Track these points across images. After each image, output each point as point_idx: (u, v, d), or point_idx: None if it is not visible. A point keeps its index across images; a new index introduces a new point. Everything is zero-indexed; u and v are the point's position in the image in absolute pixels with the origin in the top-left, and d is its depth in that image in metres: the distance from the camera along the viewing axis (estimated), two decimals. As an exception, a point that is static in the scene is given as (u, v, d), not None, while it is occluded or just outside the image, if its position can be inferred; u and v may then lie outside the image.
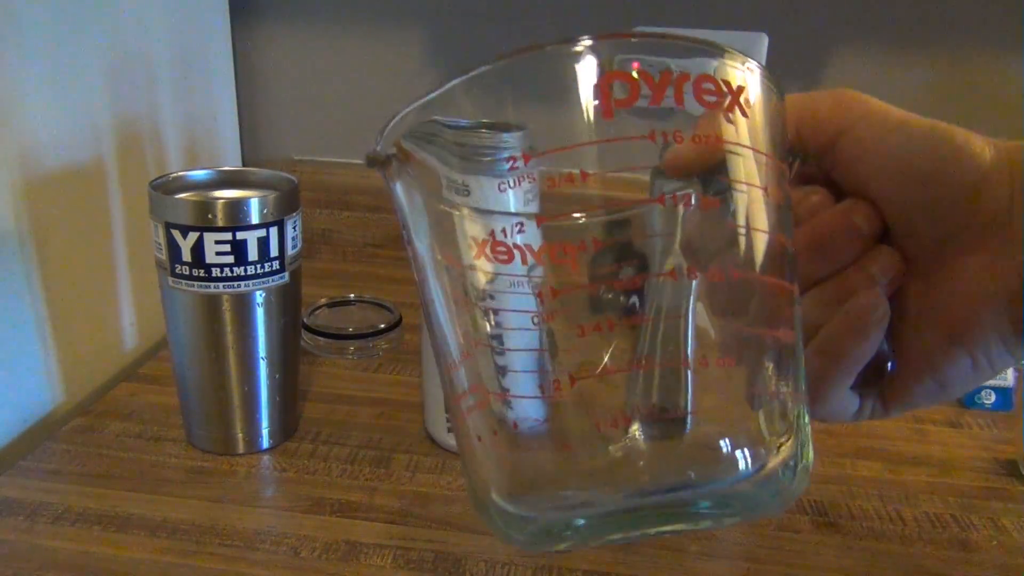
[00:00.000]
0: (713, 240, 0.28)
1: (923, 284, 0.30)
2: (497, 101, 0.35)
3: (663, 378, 0.28)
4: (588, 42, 0.26)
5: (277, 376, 0.56)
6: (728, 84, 0.26)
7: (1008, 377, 0.65)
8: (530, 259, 0.57)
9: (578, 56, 0.26)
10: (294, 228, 0.54)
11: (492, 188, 0.51)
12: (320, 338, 0.72)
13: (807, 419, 0.29)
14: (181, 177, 0.55)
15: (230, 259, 0.51)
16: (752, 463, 0.27)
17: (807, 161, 0.32)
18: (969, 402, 0.66)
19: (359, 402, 0.64)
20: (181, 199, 0.52)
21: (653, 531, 0.29)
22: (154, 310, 0.59)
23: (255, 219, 0.51)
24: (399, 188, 0.31)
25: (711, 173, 0.28)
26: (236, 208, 0.51)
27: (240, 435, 0.56)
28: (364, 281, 0.89)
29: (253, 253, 0.52)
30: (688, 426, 0.28)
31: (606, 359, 0.28)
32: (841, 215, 0.30)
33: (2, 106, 0.56)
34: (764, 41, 0.83)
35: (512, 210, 0.55)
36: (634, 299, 0.28)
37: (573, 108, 0.27)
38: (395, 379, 0.68)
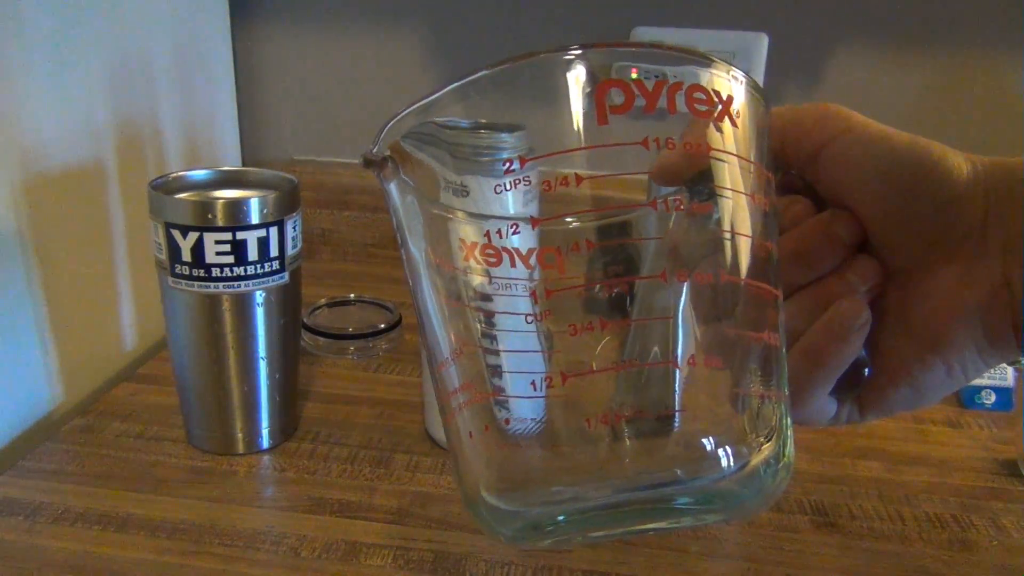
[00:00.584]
0: (701, 244, 0.29)
1: (900, 293, 0.31)
2: (493, 105, 0.36)
3: (650, 378, 0.29)
4: (583, 50, 0.27)
5: (277, 376, 0.56)
6: (718, 94, 0.27)
7: (1008, 377, 0.65)
8: (531, 261, 0.57)
9: (571, 64, 0.27)
10: (294, 228, 0.54)
11: (491, 189, 0.51)
12: (320, 338, 0.72)
13: (789, 420, 0.30)
14: (181, 177, 0.55)
15: (230, 259, 0.51)
16: (735, 461, 0.28)
17: (791, 172, 0.33)
18: (969, 402, 0.66)
19: (359, 402, 0.64)
20: (181, 199, 0.52)
21: (637, 528, 0.30)
22: (154, 310, 0.59)
23: (255, 219, 0.51)
24: (394, 189, 0.32)
25: (701, 179, 0.28)
26: (236, 208, 0.51)
27: (240, 435, 0.56)
28: (364, 281, 0.89)
29: (253, 253, 0.52)
30: (674, 425, 0.29)
31: (596, 359, 0.29)
32: (822, 225, 0.31)
33: (2, 106, 0.56)
34: (764, 41, 0.83)
35: (511, 211, 0.55)
36: (624, 301, 0.28)
37: (567, 114, 0.27)
38: (395, 379, 0.68)
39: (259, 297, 0.53)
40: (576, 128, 0.27)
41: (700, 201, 0.29)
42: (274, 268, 0.53)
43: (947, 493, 0.54)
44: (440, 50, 0.89)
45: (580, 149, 0.27)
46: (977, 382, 0.66)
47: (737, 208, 0.28)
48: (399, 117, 0.30)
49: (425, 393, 0.58)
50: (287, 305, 0.55)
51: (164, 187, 0.54)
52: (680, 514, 0.29)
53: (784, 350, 0.30)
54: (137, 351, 0.72)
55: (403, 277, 0.33)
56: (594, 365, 0.29)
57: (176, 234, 0.51)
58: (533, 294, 0.52)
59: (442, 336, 0.32)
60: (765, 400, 0.29)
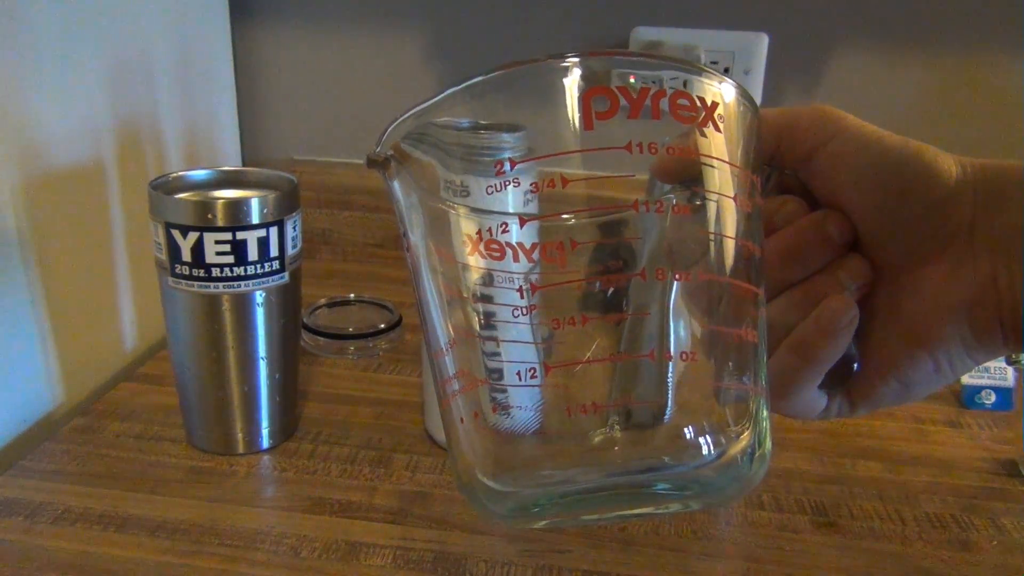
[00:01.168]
0: (686, 244, 0.31)
1: (890, 290, 0.32)
2: (490, 108, 0.38)
3: (638, 370, 0.31)
4: (574, 59, 0.28)
5: (277, 376, 0.56)
6: (703, 100, 0.29)
7: (1008, 377, 0.66)
8: (522, 257, 0.57)
9: (563, 71, 0.29)
10: (294, 228, 0.54)
11: (492, 179, 0.51)
12: (320, 338, 0.72)
13: (766, 412, 0.31)
14: (181, 177, 0.55)
15: (230, 259, 0.51)
16: (714, 450, 0.30)
17: (786, 172, 0.34)
18: (969, 402, 0.66)
19: (359, 402, 0.64)
20: (181, 199, 0.52)
21: (625, 513, 0.32)
22: (154, 310, 0.59)
23: (255, 219, 0.51)
24: (397, 187, 0.33)
25: (689, 182, 0.30)
26: (236, 208, 0.51)
27: (240, 435, 0.56)
28: (364, 281, 0.89)
29: (253, 253, 0.52)
30: (660, 415, 0.31)
31: (588, 351, 0.30)
32: (814, 224, 0.32)
33: (2, 106, 0.56)
34: (764, 41, 0.83)
35: (511, 204, 0.55)
36: (615, 296, 0.30)
37: (558, 119, 0.29)
38: (395, 379, 0.68)
39: (259, 297, 0.53)
40: (566, 132, 0.29)
41: (684, 203, 0.31)
42: (274, 268, 0.53)
43: (947, 493, 0.55)
44: (440, 50, 0.89)
45: (563, 153, 0.29)
46: (977, 382, 0.66)
47: (720, 210, 0.30)
48: (400, 120, 0.31)
49: (425, 393, 0.58)
50: (287, 305, 0.55)
51: (164, 187, 0.54)
52: (664, 500, 0.30)
53: (763, 346, 0.31)
54: (137, 351, 0.72)
55: (406, 275, 0.35)
56: (584, 357, 0.30)
57: (176, 234, 0.51)
58: (520, 290, 0.53)
59: (440, 326, 0.34)
60: (743, 393, 0.31)
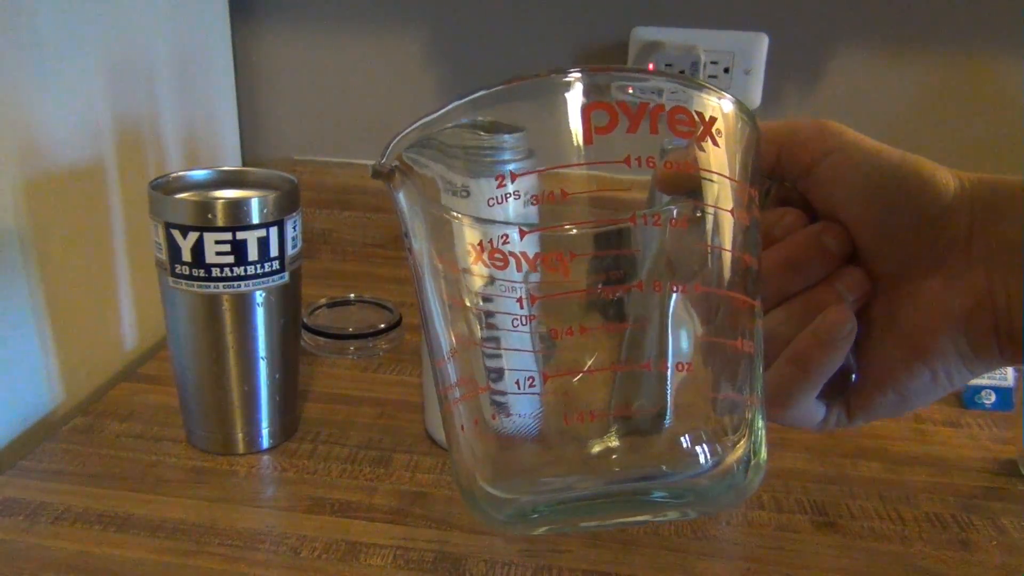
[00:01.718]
0: (684, 257, 0.31)
1: (888, 302, 0.32)
2: (494, 118, 0.39)
3: (636, 380, 0.31)
4: (576, 74, 0.29)
5: (277, 376, 0.56)
6: (701, 115, 0.30)
7: (1008, 377, 0.66)
8: (524, 267, 0.58)
9: (565, 87, 0.30)
10: (294, 228, 0.54)
11: (493, 190, 0.51)
12: (320, 338, 0.72)
13: (761, 422, 0.32)
14: (181, 177, 0.55)
15: (230, 259, 0.51)
16: (710, 459, 0.30)
17: (786, 184, 0.34)
18: (969, 402, 0.66)
19: (359, 402, 0.64)
20: (181, 199, 0.52)
21: (623, 520, 0.32)
22: (154, 310, 0.59)
23: (255, 219, 0.51)
24: (401, 197, 0.34)
25: (687, 195, 0.31)
26: (236, 208, 0.51)
27: (240, 435, 0.56)
28: (364, 281, 0.89)
29: (253, 253, 0.52)
30: (656, 424, 0.31)
31: (588, 361, 0.31)
32: (813, 236, 0.33)
33: (2, 106, 0.56)
34: (764, 41, 0.83)
35: (511, 216, 0.55)
36: (615, 306, 0.31)
37: (561, 131, 0.30)
38: (395, 379, 0.68)
39: (259, 297, 0.53)
40: (567, 145, 0.30)
41: (682, 216, 0.31)
42: (274, 268, 0.53)
43: (947, 493, 0.55)
44: (440, 50, 0.89)
45: (562, 167, 0.30)
46: (977, 382, 0.66)
47: (718, 223, 0.31)
48: (404, 133, 0.32)
49: (425, 393, 0.58)
50: (287, 305, 0.55)
51: (164, 187, 0.54)
52: (661, 507, 0.31)
53: (759, 357, 0.32)
54: (137, 351, 0.72)
55: (406, 275, 0.35)
56: (584, 366, 0.31)
57: (176, 234, 0.51)
58: (520, 300, 0.53)
59: (443, 334, 0.34)
60: (739, 402, 0.31)
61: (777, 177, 0.34)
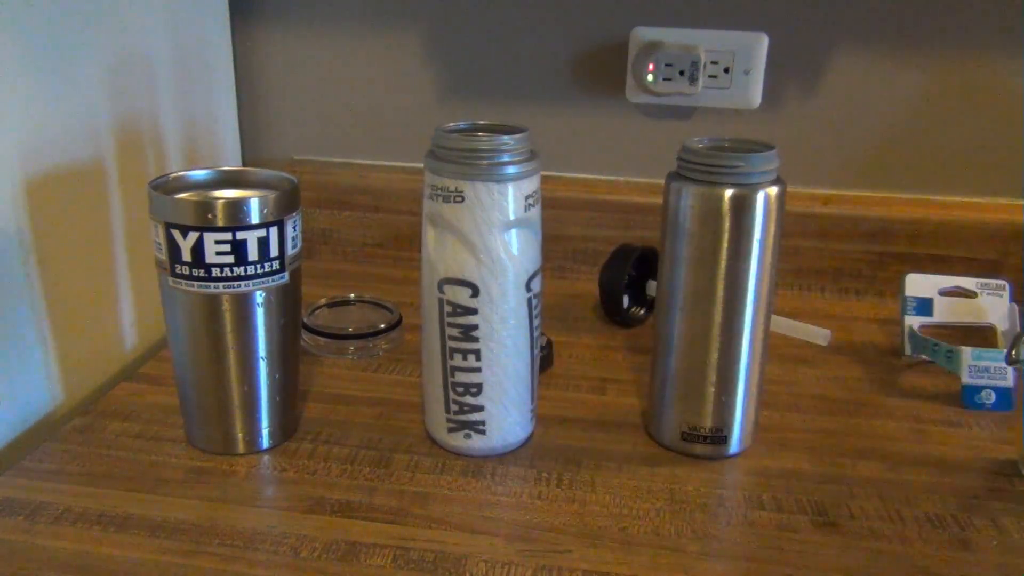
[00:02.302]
0: None
1: None
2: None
3: None
4: None
5: (277, 376, 0.56)
6: None
7: (1008, 377, 0.66)
8: (529, 270, 0.58)
9: None
10: (294, 228, 0.54)
11: (489, 194, 0.51)
12: (320, 338, 0.72)
13: None
14: (181, 177, 0.55)
15: (230, 259, 0.51)
16: None
17: None
18: (969, 402, 0.66)
19: (359, 402, 0.64)
20: (181, 199, 0.52)
21: None
22: (154, 310, 0.59)
23: (255, 219, 0.51)
24: None
25: None
26: (236, 208, 0.51)
27: (240, 435, 0.56)
28: (364, 281, 0.89)
29: (253, 253, 0.52)
30: None
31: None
32: None
33: (2, 106, 0.56)
34: (764, 41, 0.83)
35: (511, 217, 0.55)
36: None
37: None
38: (395, 379, 0.68)
39: (259, 297, 0.53)
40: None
41: None
42: (274, 268, 0.53)
43: (947, 493, 0.55)
44: (440, 50, 0.89)
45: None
46: (977, 382, 0.66)
47: None
48: None
49: (425, 393, 0.58)
50: (287, 305, 0.55)
51: (164, 187, 0.54)
52: None
53: None
54: (137, 351, 0.73)
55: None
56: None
57: (176, 234, 0.51)
58: (528, 303, 0.54)
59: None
60: None
61: None
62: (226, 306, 0.53)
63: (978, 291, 0.75)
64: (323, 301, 0.80)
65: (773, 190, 0.52)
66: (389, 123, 0.92)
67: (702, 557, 0.48)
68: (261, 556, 0.47)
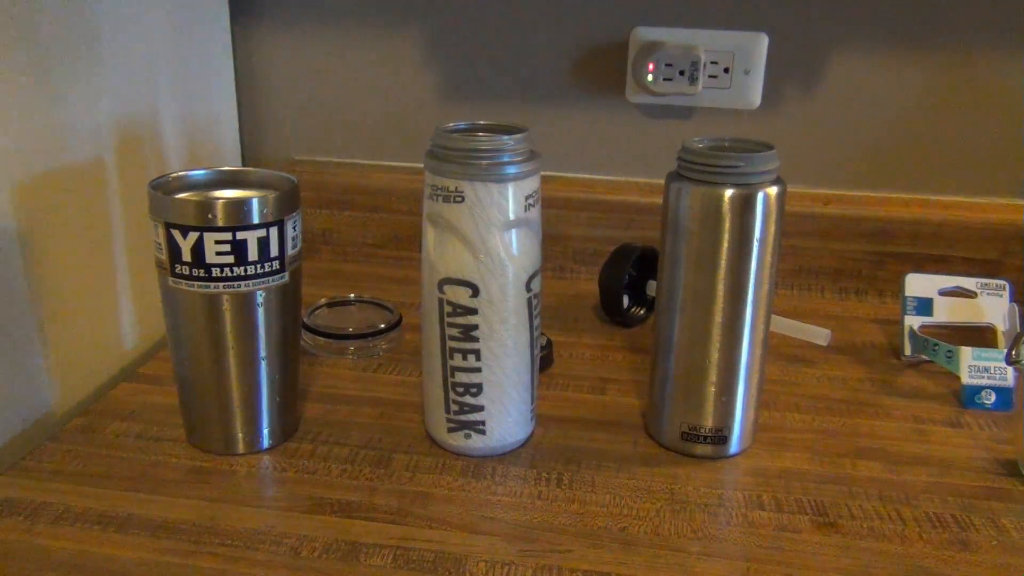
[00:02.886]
0: None
1: None
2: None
3: None
4: None
5: (277, 376, 0.56)
6: None
7: (1008, 377, 0.66)
8: (529, 270, 0.58)
9: None
10: (294, 228, 0.54)
11: (489, 194, 0.51)
12: (320, 338, 0.72)
13: None
14: (181, 177, 0.55)
15: (230, 259, 0.51)
16: None
17: None
18: (969, 402, 0.66)
19: (359, 402, 0.64)
20: (181, 199, 0.52)
21: None
22: (154, 310, 0.59)
23: (255, 219, 0.51)
24: None
25: None
26: (236, 208, 0.51)
27: (240, 435, 0.56)
28: (364, 281, 0.89)
29: (253, 253, 0.52)
30: None
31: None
32: None
33: (2, 106, 0.56)
34: (764, 41, 0.83)
35: (511, 217, 0.55)
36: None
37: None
38: (395, 379, 0.68)
39: (259, 297, 0.53)
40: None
41: None
42: (274, 268, 0.53)
43: (947, 493, 0.55)
44: (440, 50, 0.89)
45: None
46: (977, 382, 0.66)
47: None
48: None
49: (425, 393, 0.58)
50: (287, 305, 0.55)
51: (164, 187, 0.54)
52: None
53: None
54: (137, 351, 0.72)
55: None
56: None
57: (176, 234, 0.51)
58: (528, 303, 0.54)
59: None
60: None
61: None
62: (226, 306, 0.53)
63: (978, 291, 0.75)
64: (323, 301, 0.80)
65: (773, 190, 0.52)
66: (389, 123, 0.92)
67: (702, 557, 0.48)
68: (261, 556, 0.47)
